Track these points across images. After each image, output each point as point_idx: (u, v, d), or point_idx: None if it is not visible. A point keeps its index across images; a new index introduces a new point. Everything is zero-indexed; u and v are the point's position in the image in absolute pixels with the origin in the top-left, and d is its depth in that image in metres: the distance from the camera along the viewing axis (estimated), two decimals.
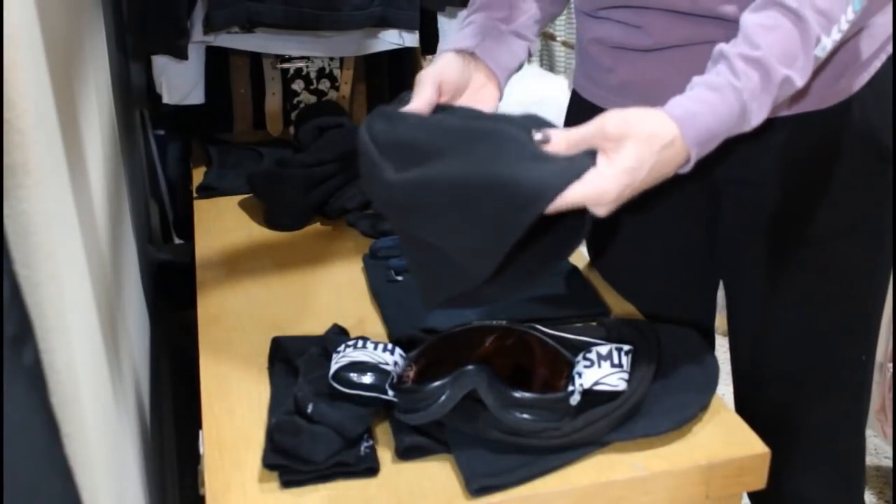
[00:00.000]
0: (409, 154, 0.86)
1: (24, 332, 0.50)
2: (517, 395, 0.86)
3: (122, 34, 1.69)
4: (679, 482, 0.87)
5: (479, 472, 0.84)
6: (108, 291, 0.94)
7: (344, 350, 0.92)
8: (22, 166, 0.55)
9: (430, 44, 1.84)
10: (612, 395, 0.88)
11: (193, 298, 1.20)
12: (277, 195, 1.43)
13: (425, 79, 0.94)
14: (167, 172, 2.08)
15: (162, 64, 1.69)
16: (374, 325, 1.12)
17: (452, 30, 1.83)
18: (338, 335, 1.06)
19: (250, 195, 1.51)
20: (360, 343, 0.93)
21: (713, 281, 1.21)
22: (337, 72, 1.86)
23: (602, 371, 0.87)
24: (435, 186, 0.83)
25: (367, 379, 0.89)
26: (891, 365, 1.80)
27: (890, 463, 1.98)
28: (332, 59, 1.84)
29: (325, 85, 1.86)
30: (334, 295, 1.20)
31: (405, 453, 0.88)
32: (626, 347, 0.91)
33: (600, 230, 1.23)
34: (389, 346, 0.93)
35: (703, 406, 0.92)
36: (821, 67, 0.97)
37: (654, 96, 0.86)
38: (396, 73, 1.92)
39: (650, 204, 1.09)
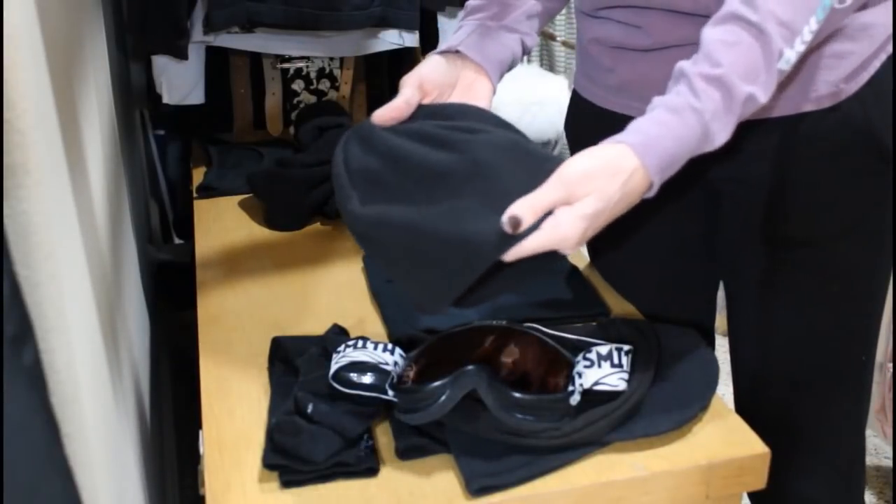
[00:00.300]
0: (374, 186, 0.88)
1: (24, 332, 0.50)
2: (517, 395, 0.86)
3: (122, 34, 1.69)
4: (679, 482, 0.87)
5: (479, 472, 0.84)
6: (108, 291, 0.94)
7: (344, 350, 0.92)
8: (22, 166, 0.55)
9: (430, 44, 1.84)
10: (612, 395, 0.88)
11: (193, 298, 1.20)
12: (277, 195, 1.43)
13: (406, 80, 0.95)
14: (167, 172, 2.08)
15: (162, 64, 1.69)
16: (374, 325, 1.12)
17: (452, 30, 1.82)
18: (338, 335, 1.06)
19: (250, 195, 1.51)
20: (360, 343, 0.93)
21: (713, 281, 1.21)
22: (337, 72, 1.86)
23: (602, 371, 0.87)
24: (390, 229, 0.84)
25: (367, 379, 0.89)
26: (891, 365, 1.80)
27: (890, 463, 1.98)
28: (332, 59, 1.84)
29: (325, 85, 1.86)
30: (334, 295, 1.20)
31: (405, 453, 0.88)
32: (626, 347, 0.91)
33: (601, 231, 1.23)
34: (389, 346, 0.93)
35: (703, 406, 0.92)
36: (820, 68, 0.97)
37: (654, 96, 0.86)
38: (396, 73, 1.92)
39: (650, 204, 1.10)
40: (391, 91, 1.92)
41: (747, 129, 1.00)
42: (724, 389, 1.04)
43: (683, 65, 0.82)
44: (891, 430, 1.84)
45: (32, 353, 0.51)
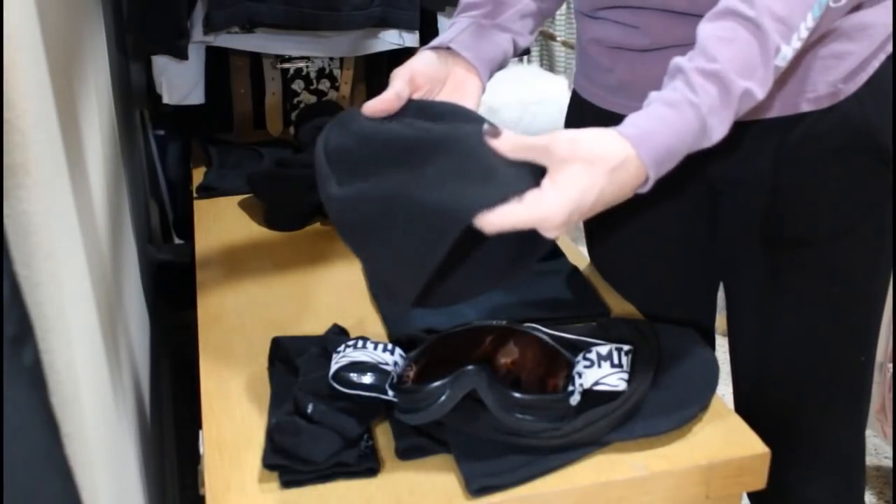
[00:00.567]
0: (352, 168, 0.87)
1: (24, 332, 0.50)
2: (517, 395, 0.86)
3: (122, 34, 1.69)
4: (679, 482, 0.87)
5: (479, 472, 0.84)
6: (108, 291, 0.94)
7: (344, 350, 0.92)
8: (22, 166, 0.55)
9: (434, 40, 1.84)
10: (612, 396, 0.88)
11: (193, 298, 1.20)
12: (277, 195, 1.44)
13: (397, 73, 0.95)
14: (167, 172, 2.08)
15: (162, 64, 1.69)
16: (374, 325, 1.12)
17: None
18: (338, 335, 1.06)
19: (250, 195, 1.51)
20: (360, 343, 0.93)
21: (713, 281, 1.21)
22: (337, 72, 1.86)
23: (602, 371, 0.87)
24: (365, 203, 0.83)
25: (367, 379, 0.89)
26: (891, 365, 1.80)
27: (890, 463, 1.98)
28: (332, 59, 1.84)
29: (325, 85, 1.86)
30: (334, 295, 1.20)
31: (405, 453, 0.88)
32: (626, 347, 0.91)
33: (600, 230, 1.24)
34: (389, 346, 0.93)
35: (703, 406, 0.92)
36: (819, 68, 0.97)
37: None
38: None
39: (650, 204, 1.10)
40: None
41: (747, 129, 1.00)
42: (724, 389, 1.04)
43: (679, 60, 0.82)
44: (891, 430, 1.84)
45: (32, 354, 0.51)
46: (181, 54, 1.58)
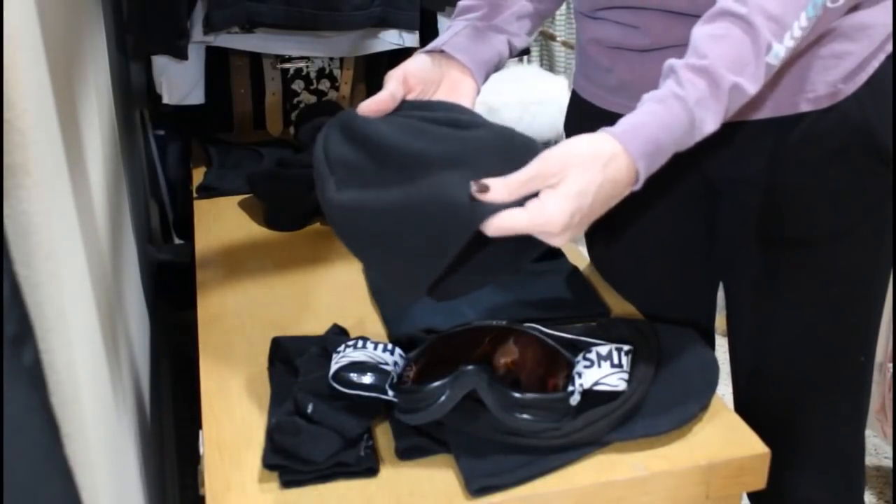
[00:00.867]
0: (352, 172, 0.87)
1: (24, 333, 0.50)
2: (517, 395, 0.86)
3: (122, 34, 1.69)
4: (679, 482, 0.87)
5: (479, 472, 0.84)
6: (108, 291, 0.94)
7: (344, 350, 0.92)
8: (22, 166, 0.55)
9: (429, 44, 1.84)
10: (612, 396, 0.88)
11: (193, 298, 1.20)
12: (277, 195, 1.44)
13: (391, 75, 0.96)
14: (167, 172, 2.08)
15: (162, 64, 1.69)
16: (374, 325, 1.12)
17: None
18: (338, 335, 1.06)
19: (250, 195, 1.51)
20: (360, 343, 0.93)
21: (713, 281, 1.21)
22: (337, 72, 1.86)
23: (602, 371, 0.87)
24: (366, 211, 0.83)
25: (367, 379, 0.89)
26: (891, 365, 1.80)
27: (890, 463, 1.98)
28: (331, 59, 1.84)
29: (325, 85, 1.86)
30: (334, 295, 1.20)
31: (405, 453, 0.88)
32: (626, 347, 0.91)
33: (600, 231, 1.24)
34: (389, 346, 0.93)
35: (703, 406, 0.92)
36: (818, 68, 0.97)
37: None
38: None
39: (649, 204, 1.10)
40: None
41: (746, 129, 1.00)
42: (724, 389, 1.05)
43: (672, 61, 0.83)
44: (891, 430, 1.84)
45: (32, 354, 0.51)
46: (181, 54, 1.58)
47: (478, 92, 1.02)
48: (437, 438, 0.88)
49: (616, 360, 0.88)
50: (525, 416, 0.86)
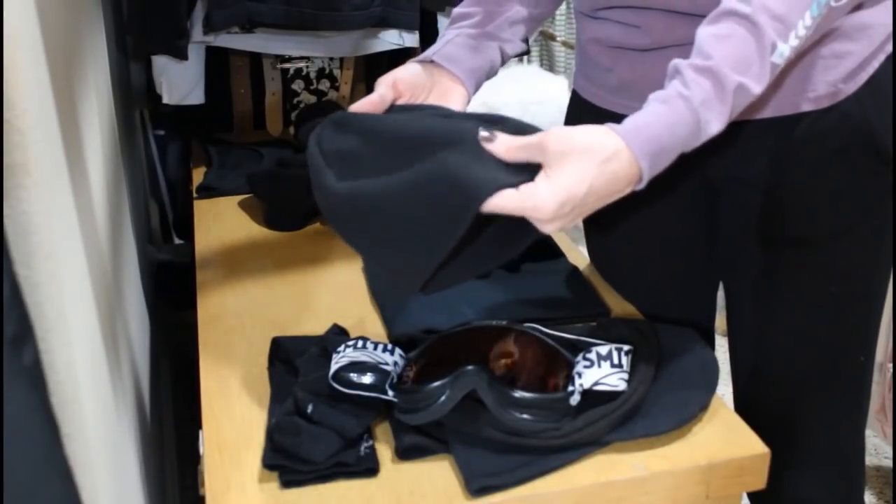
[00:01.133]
0: (350, 163, 0.88)
1: (24, 333, 0.50)
2: (517, 395, 0.86)
3: (122, 34, 1.69)
4: (679, 482, 0.87)
5: (479, 472, 0.84)
6: (108, 291, 0.94)
7: (344, 350, 0.92)
8: (22, 166, 0.55)
9: (429, 44, 1.84)
10: (612, 395, 0.88)
11: (193, 298, 1.20)
12: (277, 195, 1.44)
13: (381, 80, 0.98)
14: (167, 172, 2.08)
15: (162, 64, 1.69)
16: (374, 325, 1.12)
17: None
18: (338, 335, 1.06)
19: (250, 195, 1.51)
20: (359, 343, 0.93)
21: (713, 281, 1.21)
22: (337, 72, 1.86)
23: (602, 371, 0.87)
24: (367, 198, 0.84)
25: (367, 379, 0.89)
26: (891, 365, 1.80)
27: (890, 463, 1.98)
28: (331, 59, 1.84)
29: (325, 85, 1.86)
30: (334, 295, 1.20)
31: (405, 453, 0.88)
32: (626, 347, 0.91)
33: (599, 230, 1.24)
34: (389, 346, 0.93)
35: (703, 406, 0.92)
36: (819, 68, 0.97)
37: None
38: None
39: (649, 203, 1.10)
40: None
41: (747, 128, 1.00)
42: (724, 389, 1.05)
43: (677, 61, 0.83)
44: (891, 430, 1.84)
45: (32, 354, 0.51)
46: (181, 54, 1.58)
47: (468, 100, 1.04)
48: (437, 438, 0.88)
49: (616, 360, 0.88)
50: (525, 416, 0.86)
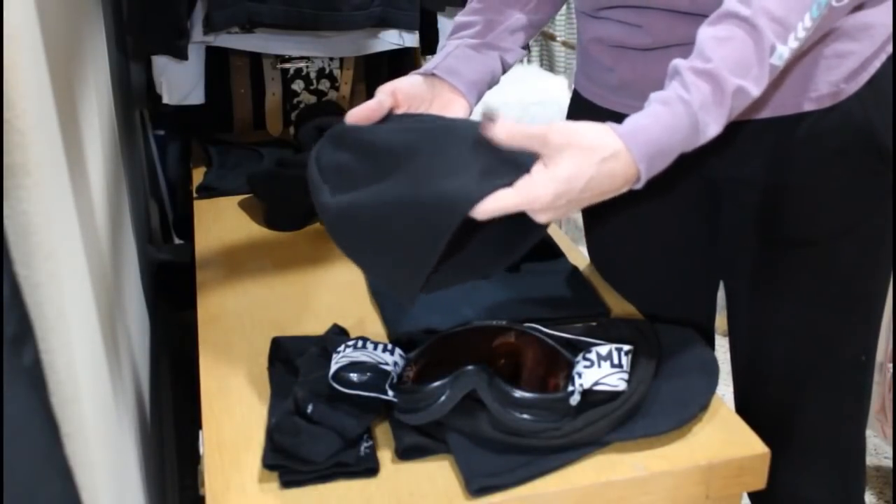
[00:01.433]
0: (344, 177, 0.89)
1: (24, 333, 0.50)
2: (517, 395, 0.86)
3: (122, 34, 1.69)
4: (679, 482, 0.87)
5: (479, 472, 0.84)
6: (108, 291, 0.94)
7: (344, 350, 0.92)
8: (22, 166, 0.55)
9: (429, 44, 1.84)
10: (612, 396, 0.88)
11: (193, 298, 1.20)
12: (277, 195, 1.44)
13: (380, 89, 0.98)
14: (167, 172, 2.08)
15: (162, 64, 1.69)
16: (374, 325, 1.12)
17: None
18: (338, 335, 1.06)
19: (250, 195, 1.51)
20: (359, 343, 0.93)
21: (713, 281, 1.21)
22: (337, 72, 1.86)
23: (602, 371, 0.87)
24: (360, 209, 0.85)
25: (367, 379, 0.89)
26: (891, 365, 1.80)
27: (890, 463, 1.98)
28: (331, 59, 1.84)
29: (325, 85, 1.86)
30: (334, 295, 1.20)
31: (405, 453, 0.88)
32: (626, 347, 0.91)
33: (600, 229, 1.24)
34: (389, 346, 0.93)
35: (703, 406, 0.92)
36: (820, 67, 0.97)
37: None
38: (396, 73, 1.92)
39: (650, 203, 1.10)
40: None
41: (748, 128, 1.00)
42: (724, 389, 1.04)
43: (677, 62, 0.84)
44: (891, 430, 1.84)
45: (32, 354, 0.51)
46: (181, 54, 1.58)
47: (470, 112, 1.04)
48: (437, 438, 0.88)
49: (616, 360, 0.88)
50: (525, 416, 0.86)
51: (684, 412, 0.90)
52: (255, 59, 1.79)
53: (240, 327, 1.12)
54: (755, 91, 0.83)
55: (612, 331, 1.01)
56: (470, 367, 0.87)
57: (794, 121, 0.99)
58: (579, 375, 0.88)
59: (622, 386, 0.88)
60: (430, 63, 1.05)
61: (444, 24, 1.84)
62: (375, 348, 0.92)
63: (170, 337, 1.78)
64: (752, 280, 1.08)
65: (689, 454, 0.88)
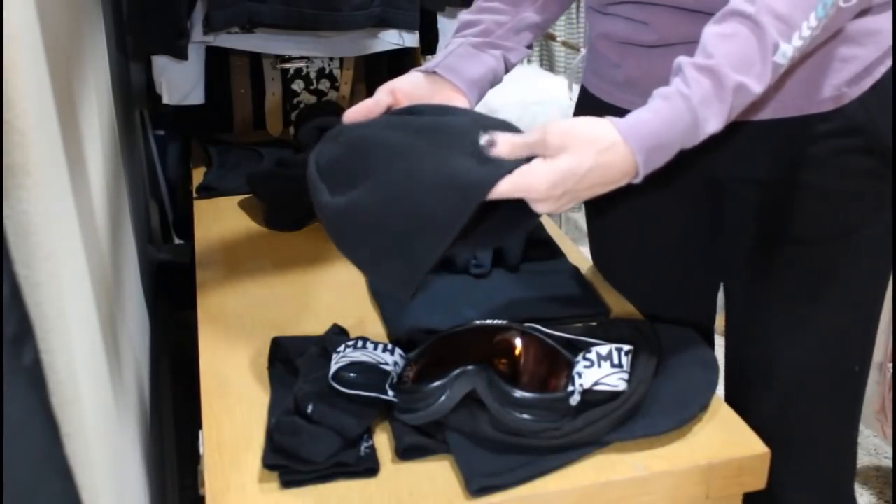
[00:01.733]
0: (342, 176, 0.89)
1: (24, 333, 0.50)
2: (517, 395, 0.86)
3: (122, 34, 1.69)
4: (679, 482, 0.87)
5: (479, 472, 0.84)
6: (108, 291, 0.94)
7: (344, 350, 0.92)
8: (22, 166, 0.55)
9: (429, 44, 1.84)
10: (612, 395, 0.88)
11: (193, 298, 1.20)
12: (277, 195, 1.44)
13: (380, 88, 0.99)
14: (167, 172, 2.08)
15: (162, 64, 1.69)
16: (374, 325, 1.12)
17: (452, 30, 1.83)
18: (338, 335, 1.06)
19: (250, 195, 1.51)
20: (359, 343, 0.93)
21: (714, 281, 1.21)
22: (337, 72, 1.86)
23: (602, 371, 0.87)
24: (360, 207, 0.85)
25: (367, 379, 0.89)
26: (891, 365, 1.80)
27: (890, 463, 1.97)
28: (331, 59, 1.84)
29: (325, 85, 1.86)
30: (334, 295, 1.20)
31: (405, 453, 0.88)
32: (626, 347, 0.91)
33: (602, 229, 1.24)
34: (389, 346, 0.93)
35: (703, 406, 0.92)
36: (825, 71, 0.97)
37: None
38: (396, 73, 1.91)
39: (651, 203, 1.10)
40: None
41: (750, 129, 1.00)
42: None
43: (681, 59, 0.84)
44: (891, 430, 1.84)
45: (32, 354, 0.51)
46: (181, 54, 1.58)
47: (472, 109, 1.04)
48: (437, 438, 0.88)
49: (616, 360, 0.89)
50: (525, 415, 0.86)
51: (684, 412, 0.90)
52: (255, 59, 1.79)
53: (240, 327, 1.12)
54: (757, 88, 0.83)
55: (612, 331, 1.01)
56: (470, 367, 0.87)
57: (797, 123, 0.99)
58: (579, 375, 0.88)
59: (622, 386, 0.88)
60: (432, 61, 1.05)
61: (444, 24, 1.84)
62: (375, 348, 0.92)
63: (170, 337, 1.78)
64: (752, 280, 1.08)
65: (689, 454, 0.88)
